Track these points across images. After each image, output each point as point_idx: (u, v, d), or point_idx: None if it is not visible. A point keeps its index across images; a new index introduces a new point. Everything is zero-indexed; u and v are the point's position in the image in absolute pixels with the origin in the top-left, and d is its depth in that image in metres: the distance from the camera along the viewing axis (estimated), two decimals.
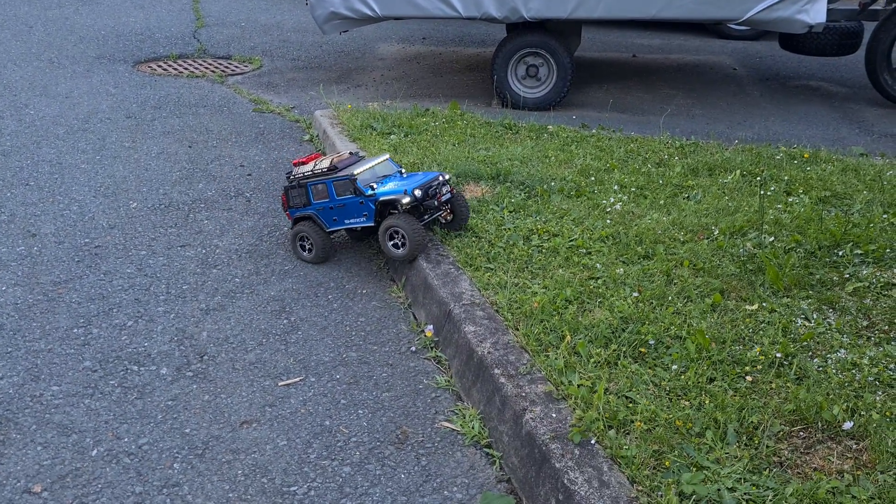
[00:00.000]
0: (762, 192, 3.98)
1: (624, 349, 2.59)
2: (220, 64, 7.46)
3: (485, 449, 2.41)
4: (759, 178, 4.25)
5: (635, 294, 2.92)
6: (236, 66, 7.41)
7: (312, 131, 5.57)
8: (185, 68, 7.21)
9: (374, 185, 3.31)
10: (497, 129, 5.23)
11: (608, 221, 3.63)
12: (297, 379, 2.75)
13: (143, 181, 4.51)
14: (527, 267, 3.21)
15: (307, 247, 3.57)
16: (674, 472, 2.03)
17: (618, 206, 3.81)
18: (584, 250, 3.36)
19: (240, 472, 2.29)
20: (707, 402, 2.31)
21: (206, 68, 7.26)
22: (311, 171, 3.43)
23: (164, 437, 2.42)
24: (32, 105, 5.92)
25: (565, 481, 2.02)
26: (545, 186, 4.05)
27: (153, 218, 4.03)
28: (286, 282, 3.44)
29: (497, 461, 2.34)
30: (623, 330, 2.70)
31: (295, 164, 3.58)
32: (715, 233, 3.52)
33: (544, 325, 2.72)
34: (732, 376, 2.45)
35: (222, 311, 3.18)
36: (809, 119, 6.14)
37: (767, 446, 2.14)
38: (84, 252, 3.62)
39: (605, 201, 3.87)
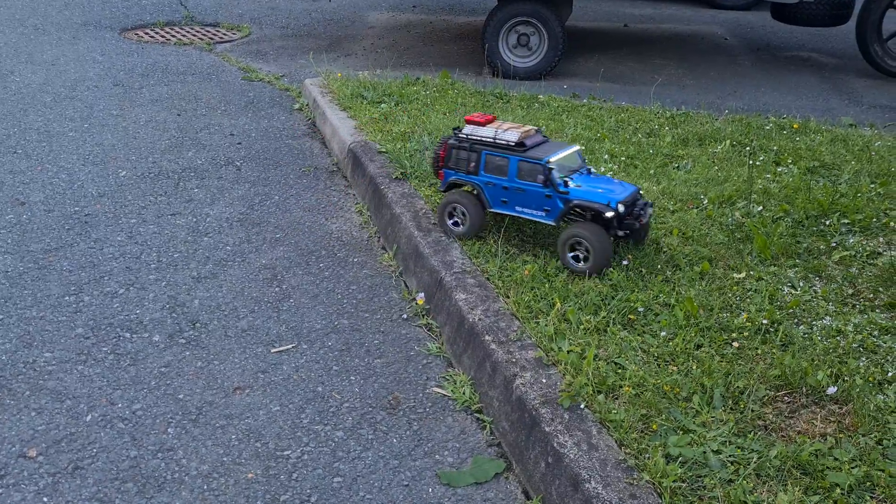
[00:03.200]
0: (751, 162, 4.00)
1: (613, 316, 2.62)
2: (208, 31, 7.38)
3: (475, 414, 2.44)
4: (748, 149, 4.27)
5: (625, 262, 2.95)
6: (224, 34, 7.33)
7: (302, 100, 5.54)
8: (173, 36, 7.13)
9: (569, 182, 2.84)
10: (488, 98, 5.21)
11: None
12: (290, 346, 2.77)
13: (132, 149, 4.48)
14: (517, 235, 3.23)
15: (458, 220, 3.13)
16: (661, 435, 2.07)
17: (608, 175, 3.81)
18: None
19: (234, 436, 2.32)
20: (694, 367, 2.35)
21: (194, 36, 7.18)
22: (493, 138, 2.97)
23: (158, 403, 2.44)
24: (18, 72, 5.85)
25: (555, 445, 2.06)
26: None
27: (143, 186, 4.01)
28: (277, 250, 3.45)
29: (487, 426, 2.38)
30: (612, 298, 2.72)
31: (468, 122, 3.09)
32: (704, 202, 3.54)
33: (535, 293, 2.75)
34: (719, 343, 2.49)
35: (214, 279, 3.19)
36: (800, 89, 6.15)
37: (753, 410, 2.18)
38: (74, 220, 3.61)
39: (595, 170, 3.87)
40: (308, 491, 2.13)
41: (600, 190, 2.80)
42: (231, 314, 2.95)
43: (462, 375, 2.59)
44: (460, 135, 3.05)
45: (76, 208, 3.73)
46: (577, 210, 2.85)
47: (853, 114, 5.48)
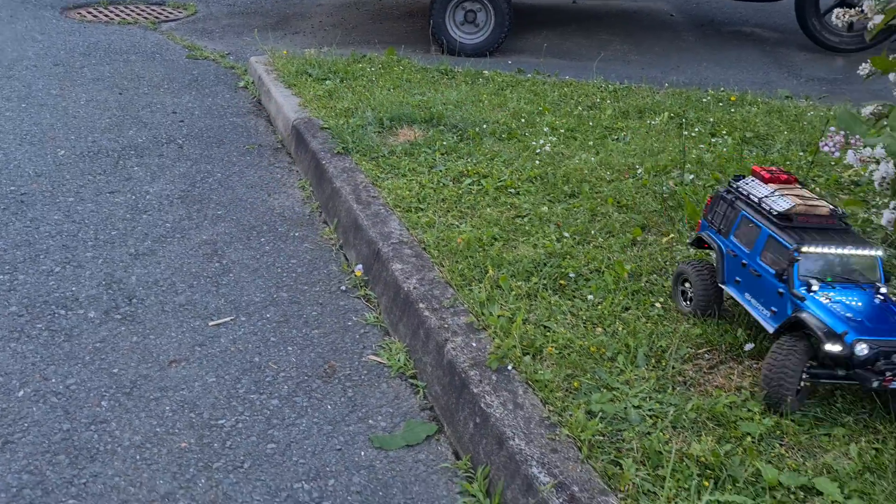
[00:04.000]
0: (684, 133, 4.09)
1: (545, 282, 2.68)
2: (153, 10, 7.26)
3: (410, 380, 2.49)
4: (683, 120, 4.36)
5: (565, 235, 3.00)
6: (170, 13, 7.22)
7: (248, 78, 5.49)
8: (117, 14, 7.00)
9: (816, 288, 2.08)
10: (433, 74, 5.23)
11: (537, 162, 3.70)
12: (228, 319, 2.79)
13: (71, 129, 4.42)
14: (456, 207, 3.27)
15: (682, 293, 2.53)
16: (584, 393, 2.14)
17: (547, 148, 3.88)
18: (513, 190, 3.43)
19: (168, 408, 2.33)
20: (620, 328, 2.42)
21: (139, 14, 7.06)
22: (759, 198, 2.30)
23: (92, 378, 2.45)
24: None
25: (482, 405, 2.11)
26: (477, 129, 4.09)
27: (81, 165, 3.97)
28: (218, 226, 3.45)
29: (421, 390, 2.43)
30: (545, 264, 2.78)
31: (755, 172, 2.45)
32: (640, 172, 3.62)
33: (469, 262, 2.80)
34: (647, 305, 2.56)
35: (152, 255, 3.18)
36: (741, 64, 6.27)
37: (674, 367, 2.26)
38: (10, 200, 3.56)
39: (535, 143, 3.93)
40: (241, 458, 2.16)
41: (854, 312, 2.02)
42: (169, 289, 2.95)
43: (398, 343, 2.64)
44: (734, 185, 2.45)
45: (12, 188, 3.68)
46: (802, 328, 2.07)
47: (791, 86, 5.61)
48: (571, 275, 2.73)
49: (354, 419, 2.32)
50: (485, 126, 4.15)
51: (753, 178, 2.42)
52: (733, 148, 3.97)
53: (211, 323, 2.76)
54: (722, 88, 5.19)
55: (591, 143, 4.00)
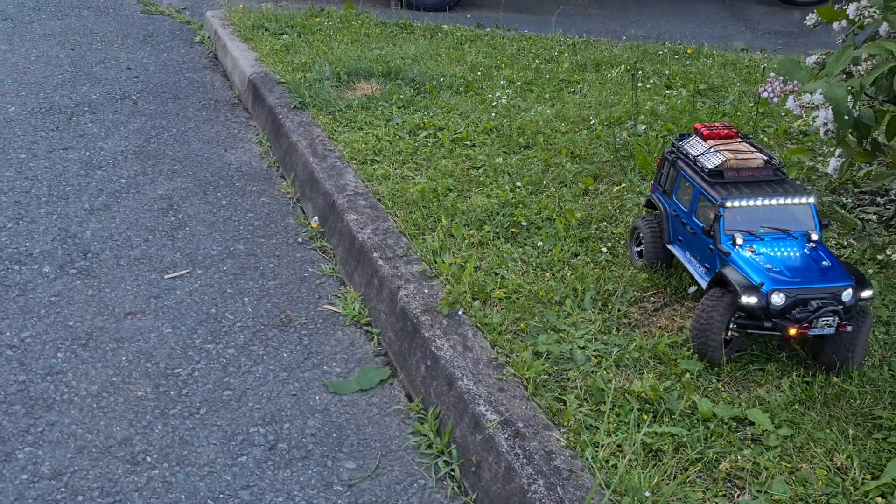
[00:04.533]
0: (636, 85, 4.13)
1: (497, 230, 2.73)
2: None
3: (364, 327, 2.54)
4: (635, 72, 4.40)
5: (518, 185, 3.05)
6: None
7: (204, 33, 5.41)
8: None
9: (740, 242, 2.07)
10: (392, 28, 5.20)
11: (493, 115, 3.73)
12: (184, 272, 2.80)
13: (22, 85, 4.34)
14: (411, 159, 3.29)
15: (637, 248, 2.55)
16: (532, 335, 2.20)
17: (503, 101, 3.90)
18: (469, 142, 3.46)
19: (124, 358, 2.36)
20: (569, 274, 2.48)
21: None
22: (695, 156, 2.29)
23: (48, 331, 2.46)
24: None
25: (433, 348, 2.17)
26: (434, 83, 4.10)
27: (33, 122, 3.91)
28: (174, 181, 3.43)
29: (375, 337, 2.48)
30: (498, 214, 2.83)
31: (696, 130, 2.42)
32: (594, 123, 3.66)
33: (423, 212, 2.83)
34: (595, 251, 2.63)
35: (107, 210, 3.17)
36: (700, 17, 6.31)
37: (619, 310, 2.33)
38: None
39: (491, 96, 3.95)
40: (197, 404, 2.20)
41: (769, 266, 2.01)
42: (124, 244, 2.95)
43: (353, 292, 2.68)
44: (678, 144, 2.42)
45: None
46: (725, 283, 2.06)
47: (748, 39, 5.68)
48: (523, 223, 2.78)
49: (310, 366, 2.37)
50: (442, 80, 4.16)
51: (695, 136, 2.40)
52: (687, 100, 4.03)
53: (167, 276, 2.77)
54: (679, 41, 5.23)
55: (547, 95, 4.03)
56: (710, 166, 2.21)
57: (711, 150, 2.27)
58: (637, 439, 1.81)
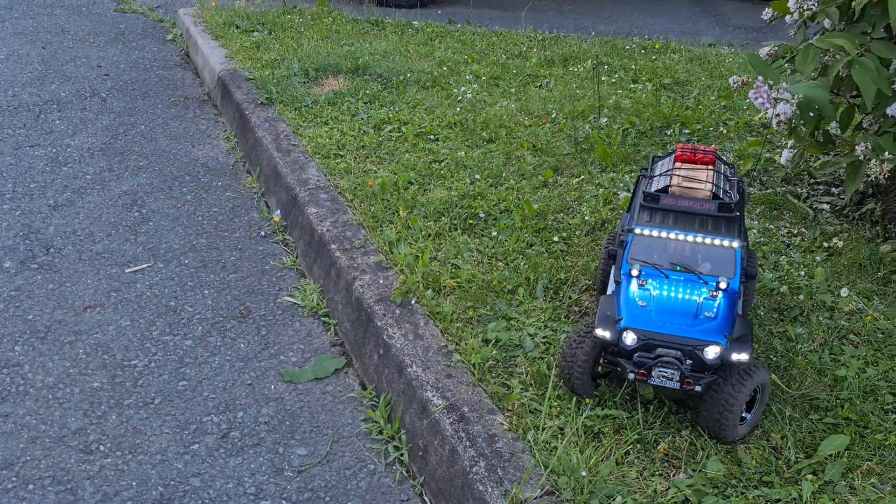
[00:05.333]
0: (598, 79, 4.18)
1: (455, 222, 2.77)
2: None
3: (322, 318, 2.57)
4: (596, 67, 4.44)
5: (477, 177, 3.08)
6: None
7: (176, 31, 5.42)
8: None
9: (636, 273, 1.90)
10: (363, 25, 5.23)
11: (458, 109, 3.76)
12: (145, 265, 2.82)
13: None
14: (375, 153, 3.32)
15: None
16: (482, 323, 2.24)
17: (469, 95, 3.94)
18: (433, 136, 3.49)
19: (81, 350, 2.38)
20: (523, 263, 2.52)
21: None
22: (653, 175, 2.09)
23: (6, 324, 2.47)
24: None
25: (385, 337, 2.20)
26: (401, 78, 4.13)
27: (0, 119, 3.91)
28: (140, 177, 3.45)
29: (332, 327, 2.51)
30: (457, 206, 2.86)
31: (678, 149, 2.11)
32: (557, 117, 3.70)
33: (382, 204, 2.86)
34: (550, 242, 2.67)
35: (71, 206, 3.18)
36: (672, 13, 6.36)
37: (570, 298, 2.37)
38: None
39: (457, 91, 3.99)
40: (153, 395, 2.22)
41: (643, 304, 1.84)
42: (87, 239, 2.97)
43: (312, 284, 2.71)
44: (654, 161, 2.25)
45: None
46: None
47: (718, 34, 5.73)
48: (481, 214, 2.81)
49: (266, 356, 2.40)
50: (409, 75, 4.19)
51: (670, 156, 2.17)
52: (652, 94, 4.08)
53: (128, 270, 2.79)
54: (648, 37, 5.28)
55: (513, 90, 4.07)
56: (652, 189, 2.01)
57: (669, 171, 2.06)
58: (578, 422, 1.85)
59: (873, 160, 2.36)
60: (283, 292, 2.72)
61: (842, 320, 2.28)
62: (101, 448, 2.03)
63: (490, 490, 1.70)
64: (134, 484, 1.92)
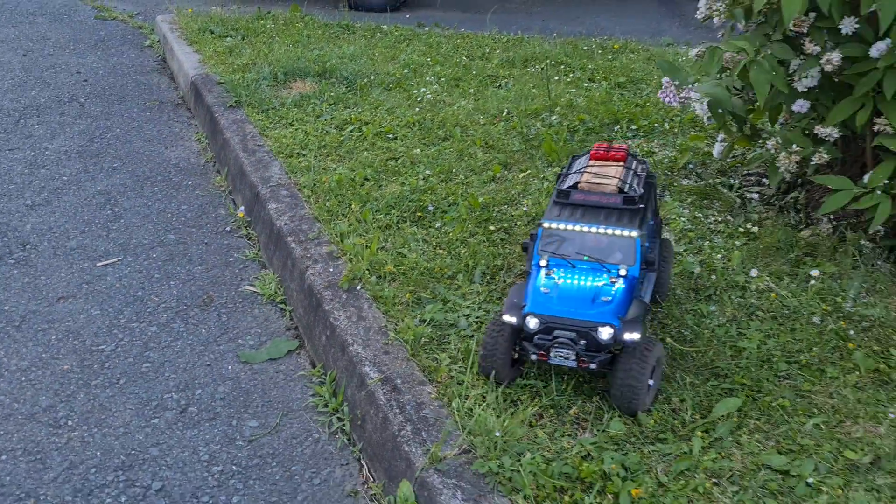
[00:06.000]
0: (549, 78, 4.39)
1: (405, 214, 2.97)
2: None
3: (279, 305, 2.76)
4: (544, 68, 4.64)
5: (427, 172, 3.28)
6: None
7: (154, 37, 5.61)
8: None
9: (544, 264, 2.06)
10: (334, 30, 5.42)
11: (417, 110, 3.96)
12: (116, 259, 3.01)
13: None
14: (335, 152, 3.52)
15: None
16: (422, 306, 2.44)
17: (429, 96, 4.13)
18: (391, 135, 3.69)
19: (53, 337, 2.57)
20: (463, 251, 2.72)
21: None
22: (566, 173, 2.26)
23: None
24: None
25: (331, 319, 2.40)
26: (366, 81, 4.33)
27: None
28: (114, 178, 3.64)
29: (287, 313, 2.71)
30: (407, 199, 3.06)
31: (595, 147, 2.29)
32: (508, 114, 3.90)
33: (337, 199, 3.06)
34: (491, 232, 2.86)
35: (47, 205, 3.37)
36: (637, 14, 6.57)
37: (506, 282, 2.57)
38: None
39: (416, 92, 4.18)
40: (118, 376, 2.41)
41: (546, 291, 2.01)
42: (62, 236, 3.16)
43: (271, 274, 2.90)
44: (572, 161, 2.37)
45: None
46: None
47: (679, 34, 5.94)
48: (430, 207, 3.01)
49: (225, 340, 2.59)
50: (374, 77, 4.39)
51: (587, 155, 2.31)
52: (606, 92, 4.28)
53: (99, 264, 2.98)
54: (608, 37, 5.48)
55: (471, 90, 4.27)
56: (561, 186, 2.18)
57: (581, 169, 2.23)
58: (499, 391, 2.05)
59: (782, 153, 2.56)
60: (244, 282, 2.91)
61: (752, 298, 2.48)
62: (69, 423, 2.22)
63: (414, 450, 1.90)
64: (98, 454, 2.12)
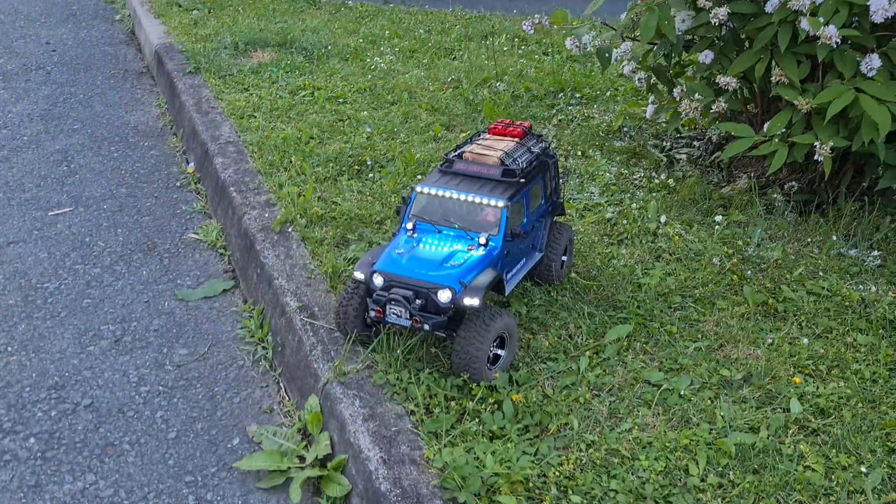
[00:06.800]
0: (493, 47, 4.52)
1: (343, 168, 3.11)
2: None
3: (219, 250, 2.90)
4: (487, 38, 4.78)
5: (368, 130, 3.42)
6: None
7: (124, 11, 5.73)
8: None
9: (410, 226, 2.11)
10: (300, 4, 5.55)
11: (370, 77, 4.10)
12: (67, 210, 3.15)
13: None
14: (286, 114, 3.66)
15: None
16: (347, 246, 2.58)
17: (382, 65, 4.27)
18: (342, 100, 3.82)
19: (1, 276, 2.71)
20: (395, 201, 2.86)
21: None
22: (459, 145, 2.29)
23: None
24: None
25: (261, 258, 2.54)
26: (324, 51, 4.46)
27: None
28: (73, 138, 3.77)
29: (227, 258, 2.85)
30: (348, 155, 3.20)
31: (497, 123, 2.37)
32: (457, 82, 4.04)
33: (281, 155, 3.20)
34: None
35: (6, 162, 3.50)
36: None
37: None
38: None
39: (370, 61, 4.32)
40: (59, 310, 2.55)
41: (400, 252, 2.02)
42: (17, 188, 3.29)
43: (215, 223, 3.04)
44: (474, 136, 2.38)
45: None
46: None
47: None
48: (368, 162, 3.15)
49: (165, 280, 2.73)
50: (331, 48, 4.52)
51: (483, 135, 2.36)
52: (558, 64, 4.42)
53: (51, 213, 3.12)
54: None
55: (425, 61, 4.41)
56: (450, 155, 2.22)
57: (472, 142, 2.28)
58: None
59: (684, 100, 2.71)
60: (189, 231, 3.05)
61: (661, 243, 2.63)
62: (9, 349, 2.36)
63: (322, 366, 2.05)
64: (34, 375, 2.25)
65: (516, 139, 2.28)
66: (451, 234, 2.07)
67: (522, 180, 2.13)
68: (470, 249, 2.01)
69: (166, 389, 2.22)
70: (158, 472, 1.95)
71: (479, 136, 2.35)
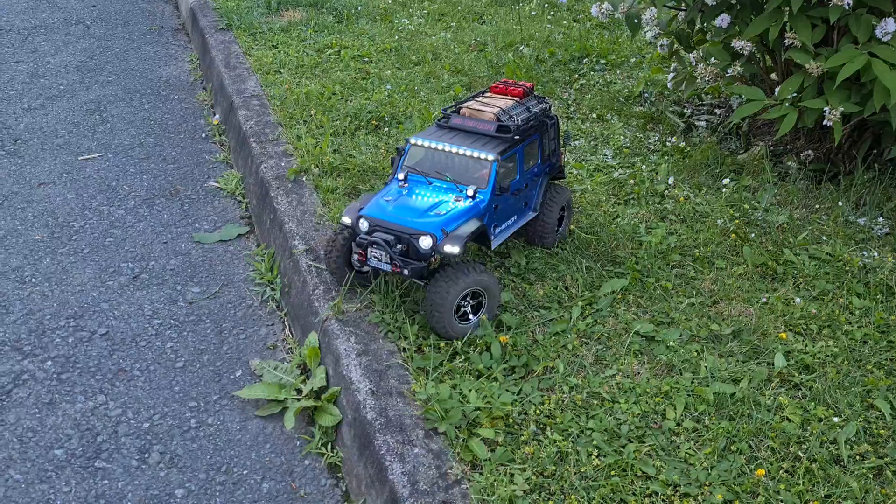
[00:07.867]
0: (519, 12, 4.51)
1: (362, 123, 3.17)
2: None
3: (238, 198, 3.00)
4: (517, 5, 4.77)
5: (388, 88, 3.48)
6: None
7: None
8: None
9: (402, 176, 2.14)
10: None
11: (397, 38, 4.14)
12: (96, 155, 3.27)
13: None
14: (311, 71, 3.73)
15: None
16: (358, 196, 2.65)
17: (410, 27, 4.31)
18: (367, 59, 3.88)
19: (31, 214, 2.84)
20: None
21: None
22: (459, 102, 2.30)
23: None
24: None
25: (275, 204, 2.63)
26: (353, 12, 4.51)
27: None
28: (106, 89, 3.89)
29: (244, 205, 2.94)
30: (367, 111, 3.26)
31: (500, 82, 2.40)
32: (485, 46, 4.07)
33: (302, 108, 3.27)
34: None
35: (42, 110, 3.64)
36: None
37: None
38: None
39: (397, 22, 4.36)
40: (83, 246, 2.67)
41: (388, 199, 2.07)
42: (50, 134, 3.42)
43: (235, 173, 3.13)
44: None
45: None
46: None
47: None
48: (386, 118, 3.21)
49: (184, 224, 2.84)
50: (362, 9, 4.57)
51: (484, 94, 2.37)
52: (587, 31, 4.41)
53: (80, 157, 3.24)
54: None
55: (453, 24, 4.43)
56: (447, 111, 2.25)
57: (473, 99, 2.30)
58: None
59: (700, 64, 2.71)
60: (210, 179, 3.15)
61: (668, 204, 2.65)
62: (34, 280, 2.48)
63: (322, 305, 2.13)
64: (55, 305, 2.38)
65: (516, 98, 2.31)
66: (442, 186, 2.10)
67: (517, 137, 2.15)
68: (457, 201, 2.04)
69: (177, 323, 2.33)
70: (164, 397, 2.05)
71: (482, 93, 2.38)
